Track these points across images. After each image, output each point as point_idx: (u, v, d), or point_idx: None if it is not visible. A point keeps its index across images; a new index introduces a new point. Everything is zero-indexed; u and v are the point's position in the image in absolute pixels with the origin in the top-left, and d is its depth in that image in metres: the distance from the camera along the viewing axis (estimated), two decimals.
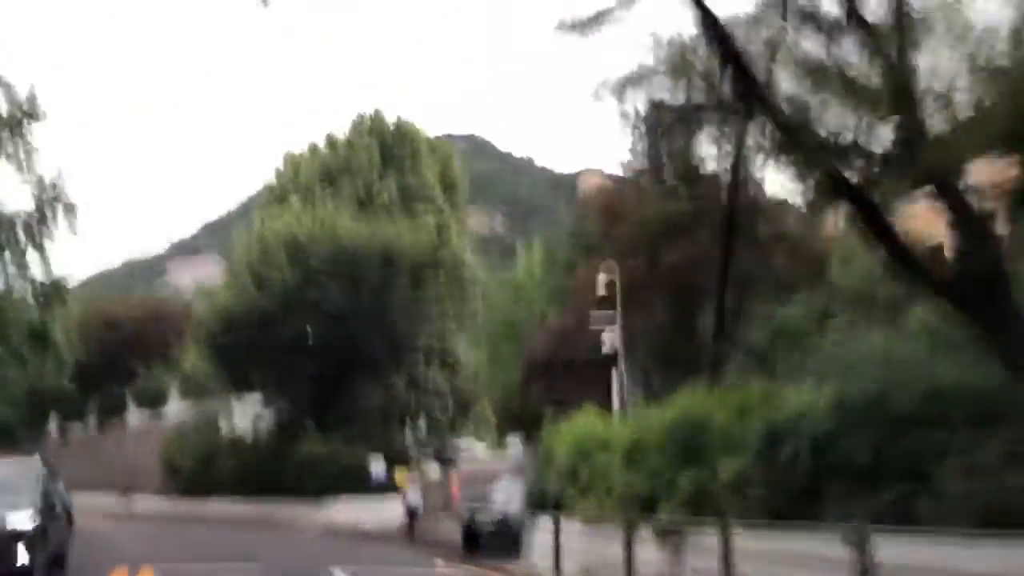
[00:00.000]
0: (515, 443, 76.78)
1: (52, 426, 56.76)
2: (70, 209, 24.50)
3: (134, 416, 50.60)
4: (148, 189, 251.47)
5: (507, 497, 22.15)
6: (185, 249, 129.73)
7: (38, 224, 24.02)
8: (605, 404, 24.87)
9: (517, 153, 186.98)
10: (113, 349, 51.35)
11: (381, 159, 43.27)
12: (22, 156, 24.13)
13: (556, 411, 20.37)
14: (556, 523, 14.86)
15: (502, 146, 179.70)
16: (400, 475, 32.70)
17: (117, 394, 51.38)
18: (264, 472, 35.03)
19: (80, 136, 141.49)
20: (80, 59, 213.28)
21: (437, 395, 44.80)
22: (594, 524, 14.16)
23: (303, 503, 33.26)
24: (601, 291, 22.57)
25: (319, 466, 32.12)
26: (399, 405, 42.22)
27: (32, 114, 24.57)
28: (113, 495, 48.16)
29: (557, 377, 53.52)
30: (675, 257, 23.94)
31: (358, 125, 44.93)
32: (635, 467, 13.35)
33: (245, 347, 33.55)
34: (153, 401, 48.79)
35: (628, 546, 12.33)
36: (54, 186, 24.33)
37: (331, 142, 44.77)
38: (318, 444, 32.27)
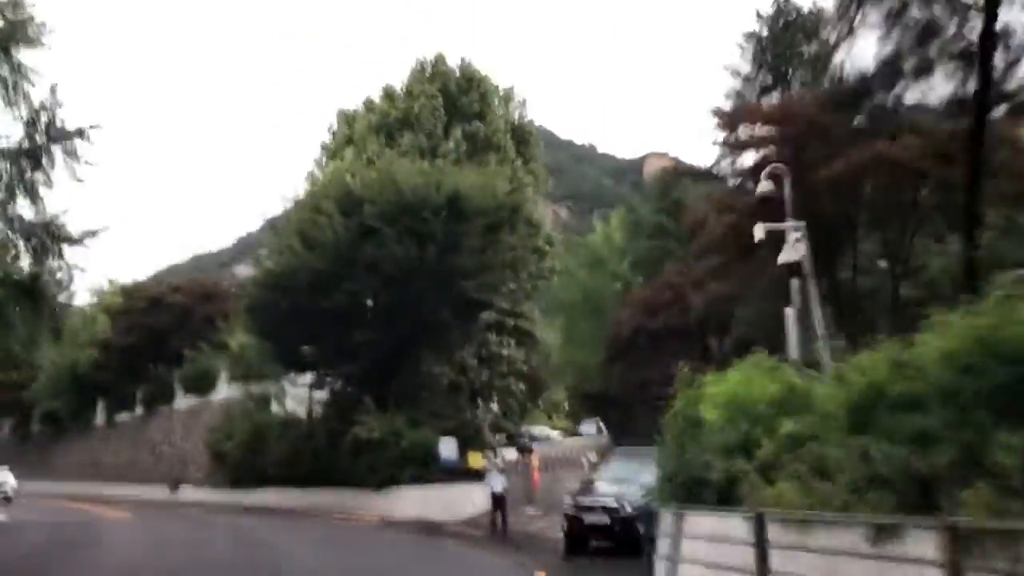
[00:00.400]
0: (589, 429, 71.62)
1: (99, 414, 53.43)
2: (65, 137, 19.87)
3: (182, 401, 46.81)
4: (217, 187, 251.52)
5: (624, 484, 17.16)
6: (250, 244, 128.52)
7: (27, 158, 19.45)
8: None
9: (579, 140, 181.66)
10: (160, 332, 47.66)
11: (445, 108, 38.50)
12: (11, 81, 19.63)
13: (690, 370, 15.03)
14: (760, 525, 9.38)
15: (563, 134, 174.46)
16: (475, 459, 27.90)
17: (165, 379, 47.68)
18: (317, 457, 30.59)
19: (149, 137, 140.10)
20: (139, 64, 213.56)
21: (512, 372, 40.02)
22: (809, 525, 8.91)
23: (361, 491, 28.69)
24: (765, 186, 17.19)
25: (379, 449, 27.42)
26: (468, 381, 37.55)
27: (27, 37, 20.02)
28: (163, 487, 44.55)
29: (646, 352, 48.36)
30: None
31: (418, 73, 40.20)
32: (884, 431, 8.17)
33: (295, 317, 29.03)
34: (201, 385, 44.89)
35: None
36: (44, 108, 19.76)
37: (389, 94, 40.16)
38: (378, 424, 27.58)
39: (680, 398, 14.53)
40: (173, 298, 48.09)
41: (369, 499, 28.43)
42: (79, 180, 20.47)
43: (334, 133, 41.90)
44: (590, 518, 16.70)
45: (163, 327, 47.04)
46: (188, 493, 42.36)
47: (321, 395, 32.94)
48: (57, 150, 20.54)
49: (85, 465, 53.05)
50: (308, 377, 33.59)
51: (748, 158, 25.68)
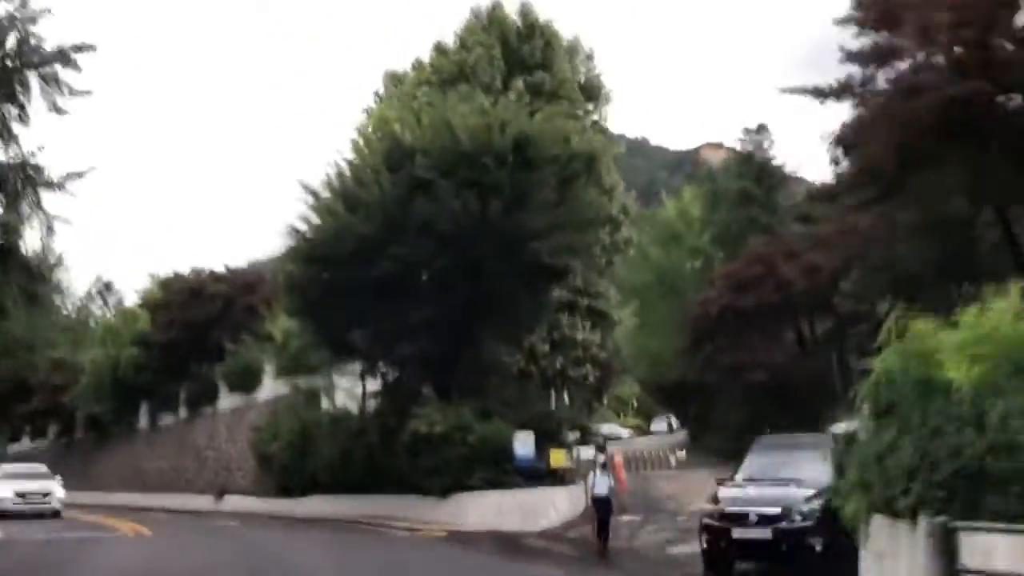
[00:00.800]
0: (660, 426, 65.76)
1: (143, 417, 49.91)
2: (43, 62, 15.72)
3: (226, 401, 42.90)
4: (273, 180, 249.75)
5: (780, 486, 12.35)
6: None
7: None
8: None
9: (631, 134, 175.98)
10: (200, 326, 43.86)
11: (504, 59, 33.86)
12: None
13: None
14: None
15: (615, 128, 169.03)
16: (557, 457, 23.21)
17: (207, 377, 43.76)
18: (371, 458, 26.20)
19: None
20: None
21: (587, 359, 35.21)
22: None
23: (423, 498, 24.20)
24: None
25: (443, 447, 22.84)
26: (540, 369, 32.87)
27: None
28: (208, 496, 40.70)
29: (737, 333, 43.02)
30: None
31: (472, 23, 35.61)
32: None
33: (339, 293, 24.69)
34: (245, 382, 40.84)
35: None
36: (13, 24, 15.64)
37: (440, 49, 35.61)
38: (440, 417, 23.03)
39: (893, 354, 9.58)
40: (214, 288, 44.18)
41: (432, 507, 23.90)
42: (60, 112, 16.31)
43: (380, 97, 37.57)
44: (743, 531, 11.83)
45: (203, 320, 43.20)
46: (233, 502, 38.38)
47: (374, 386, 28.53)
48: (33, 77, 16.44)
49: (128, 473, 49.57)
50: (359, 367, 29.27)
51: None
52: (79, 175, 16.94)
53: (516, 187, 23.21)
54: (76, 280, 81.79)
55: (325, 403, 33.44)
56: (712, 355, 45.19)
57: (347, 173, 25.80)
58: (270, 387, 38.99)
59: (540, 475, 22.92)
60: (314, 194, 26.47)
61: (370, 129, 33.29)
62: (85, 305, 64.89)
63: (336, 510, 28.80)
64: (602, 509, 16.93)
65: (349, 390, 31.50)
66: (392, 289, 23.99)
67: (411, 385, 25.59)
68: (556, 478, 23.23)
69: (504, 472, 22.74)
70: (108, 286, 71.59)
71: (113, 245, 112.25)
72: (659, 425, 74.26)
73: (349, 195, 25.26)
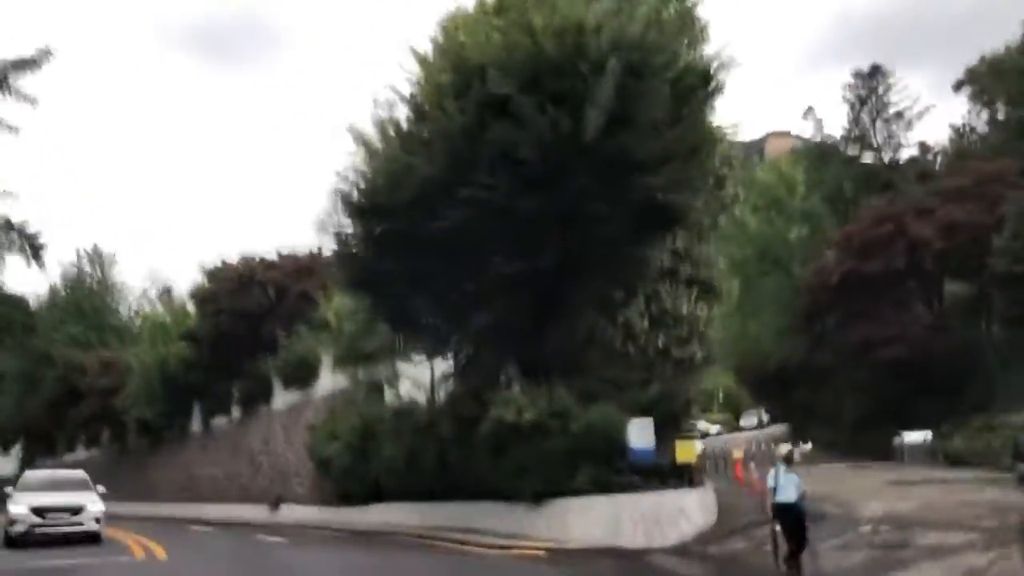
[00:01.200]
0: (750, 421, 58.69)
1: (195, 420, 45.84)
2: None
3: (280, 399, 38.42)
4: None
5: None
6: None
7: None
8: None
9: None
10: (251, 317, 39.54)
11: None
12: None
13: None
14: None
15: None
16: (685, 450, 17.84)
17: (261, 373, 39.27)
18: (444, 458, 21.21)
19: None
20: None
21: (693, 335, 29.57)
22: None
23: (510, 506, 19.10)
24: None
25: (534, 439, 17.68)
26: (639, 348, 27.35)
27: None
28: (264, 506, 36.29)
29: (861, 303, 36.93)
30: None
31: None
32: None
33: (397, 252, 19.78)
34: (301, 376, 36.25)
35: None
36: None
37: None
38: (530, 402, 17.89)
39: None
40: (265, 275, 39.78)
41: (523, 517, 18.72)
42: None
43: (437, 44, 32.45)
44: None
45: (254, 310, 38.84)
46: (290, 513, 33.85)
47: (445, 369, 23.53)
48: None
49: (181, 481, 45.53)
50: (426, 348, 24.28)
51: None
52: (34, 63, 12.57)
53: (619, 101, 17.87)
54: (132, 280, 78.88)
55: (389, 395, 28.67)
56: (829, 332, 39.25)
57: (405, 104, 20.78)
58: (328, 381, 34.36)
59: (663, 474, 17.58)
60: (365, 141, 21.49)
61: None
62: (140, 305, 61.63)
63: (404, 521, 23.94)
64: (790, 520, 11.56)
65: (416, 379, 26.61)
66: (463, 244, 18.94)
67: (490, 364, 20.37)
68: (682, 477, 17.84)
69: (616, 471, 17.45)
70: (161, 282, 68.82)
71: (169, 244, 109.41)
72: (748, 420, 68.12)
73: (406, 132, 20.30)
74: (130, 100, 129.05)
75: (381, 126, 21.08)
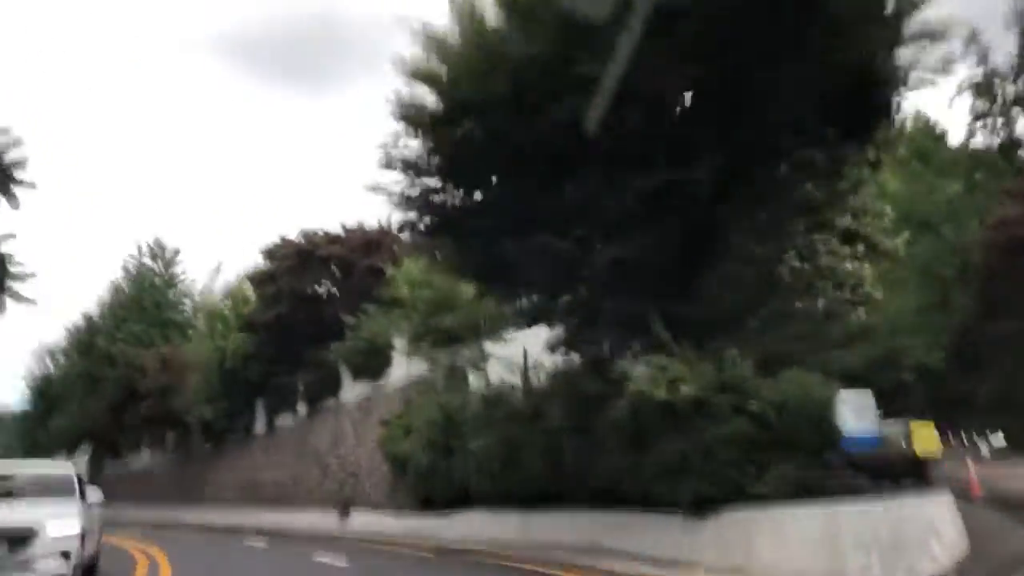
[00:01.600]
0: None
1: (259, 418, 41.34)
2: None
3: (350, 391, 33.53)
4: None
5: None
6: None
7: None
8: None
9: None
10: (313, 299, 34.86)
11: None
12: None
13: None
14: None
15: None
16: (925, 436, 12.01)
17: (328, 362, 34.35)
18: (550, 453, 15.79)
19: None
20: None
21: (859, 297, 23.77)
22: None
23: (655, 517, 13.55)
24: None
25: (694, 425, 12.15)
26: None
27: None
28: (332, 512, 31.40)
29: None
30: None
31: None
32: None
33: (489, 164, 14.52)
34: (372, 364, 31.24)
35: None
36: None
37: None
38: (685, 370, 12.36)
39: None
40: (328, 250, 34.94)
41: (680, 533, 13.09)
42: None
43: None
44: None
45: (316, 292, 34.10)
46: (362, 520, 28.86)
47: (549, 339, 18.01)
48: None
49: (245, 486, 41.06)
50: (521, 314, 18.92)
51: None
52: None
53: None
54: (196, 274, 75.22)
55: (475, 381, 23.41)
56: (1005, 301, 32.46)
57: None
58: (402, 369, 29.30)
59: (892, 470, 11.81)
60: (438, 40, 16.09)
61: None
62: (203, 299, 57.78)
63: (499, 534, 18.64)
64: None
65: (509, 360, 21.24)
66: (577, 153, 13.51)
67: (620, 321, 14.76)
68: (920, 476, 12.04)
69: (823, 466, 11.74)
70: (221, 273, 65.01)
71: (236, 241, 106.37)
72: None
73: (486, 43, 14.83)
74: (178, 98, 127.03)
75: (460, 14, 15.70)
